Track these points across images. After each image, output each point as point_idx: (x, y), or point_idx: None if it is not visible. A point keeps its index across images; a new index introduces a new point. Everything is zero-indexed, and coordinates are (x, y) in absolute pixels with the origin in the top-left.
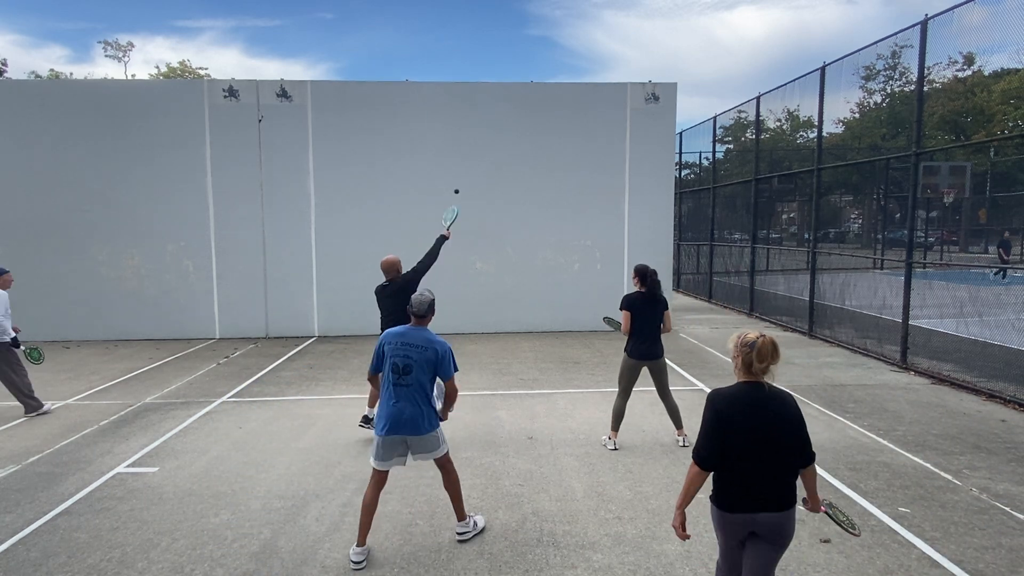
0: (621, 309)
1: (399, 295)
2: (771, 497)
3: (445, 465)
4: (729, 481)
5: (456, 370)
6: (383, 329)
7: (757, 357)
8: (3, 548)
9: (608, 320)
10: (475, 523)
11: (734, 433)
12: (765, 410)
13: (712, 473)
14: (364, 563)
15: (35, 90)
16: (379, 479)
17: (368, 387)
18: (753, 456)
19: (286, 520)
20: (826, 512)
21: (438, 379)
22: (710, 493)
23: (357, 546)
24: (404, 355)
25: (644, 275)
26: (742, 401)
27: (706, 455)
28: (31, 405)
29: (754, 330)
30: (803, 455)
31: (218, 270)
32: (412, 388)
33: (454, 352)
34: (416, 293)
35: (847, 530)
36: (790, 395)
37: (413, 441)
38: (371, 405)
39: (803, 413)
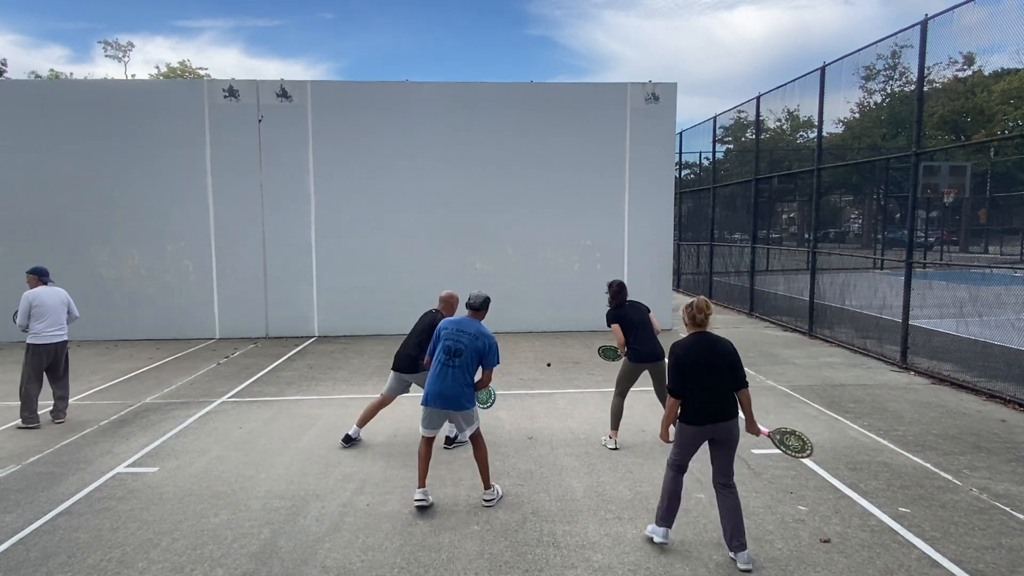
0: (609, 325)
1: (425, 330)
2: (720, 411)
3: (476, 440)
4: (693, 405)
5: (498, 363)
6: (400, 350)
7: (697, 311)
8: (3, 548)
9: (604, 351)
10: (498, 491)
11: (691, 368)
12: (709, 350)
13: (682, 402)
14: (425, 501)
15: (35, 90)
16: (428, 440)
17: (364, 403)
18: (705, 382)
19: (286, 520)
20: (770, 438)
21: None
22: (677, 417)
23: (419, 488)
24: (457, 340)
25: (617, 293)
26: (694, 346)
27: (676, 388)
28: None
29: (693, 296)
30: (736, 379)
31: (218, 270)
32: (459, 370)
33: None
34: (474, 291)
35: (797, 455)
36: (727, 340)
37: (453, 414)
38: (360, 425)
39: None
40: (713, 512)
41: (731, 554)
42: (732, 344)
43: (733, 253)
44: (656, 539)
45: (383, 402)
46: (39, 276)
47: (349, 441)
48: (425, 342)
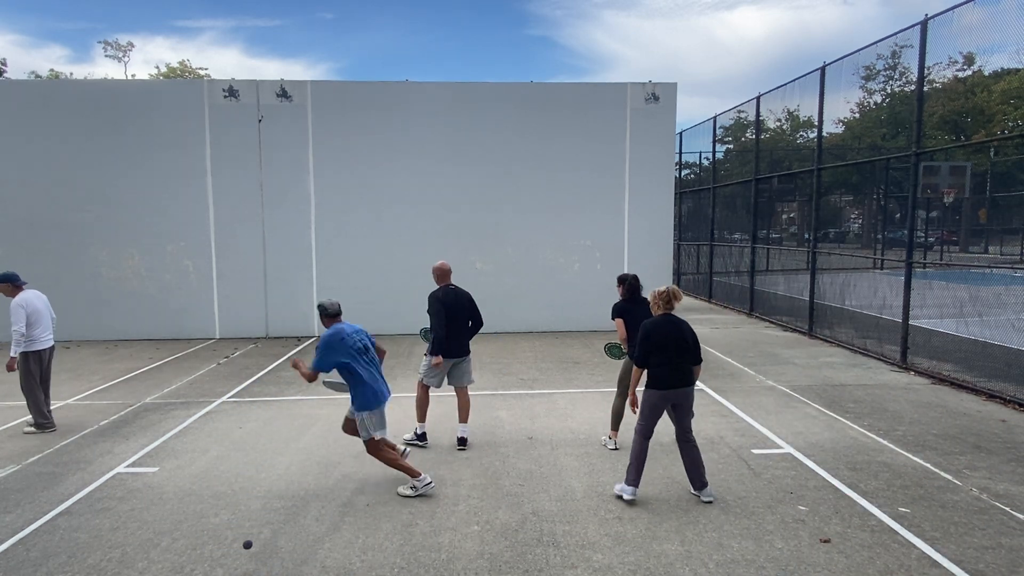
0: (613, 318)
1: (466, 308)
2: (679, 380)
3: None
4: (659, 373)
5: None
6: (447, 332)
7: (673, 297)
8: (3, 548)
9: (610, 349)
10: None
11: (657, 342)
12: (674, 328)
13: (648, 371)
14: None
15: (35, 90)
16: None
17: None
18: (669, 355)
19: (286, 520)
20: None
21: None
22: (644, 386)
23: (418, 475)
24: (361, 339)
25: (633, 287)
26: (662, 324)
27: (641, 359)
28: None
29: (662, 285)
30: (694, 356)
31: (218, 270)
32: (376, 362)
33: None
34: (328, 300)
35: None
36: (687, 322)
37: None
38: (464, 420)
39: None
40: (713, 512)
41: (694, 491)
42: (691, 326)
43: (733, 253)
44: (625, 496)
45: (458, 393)
46: (14, 283)
47: (465, 444)
48: (473, 318)
